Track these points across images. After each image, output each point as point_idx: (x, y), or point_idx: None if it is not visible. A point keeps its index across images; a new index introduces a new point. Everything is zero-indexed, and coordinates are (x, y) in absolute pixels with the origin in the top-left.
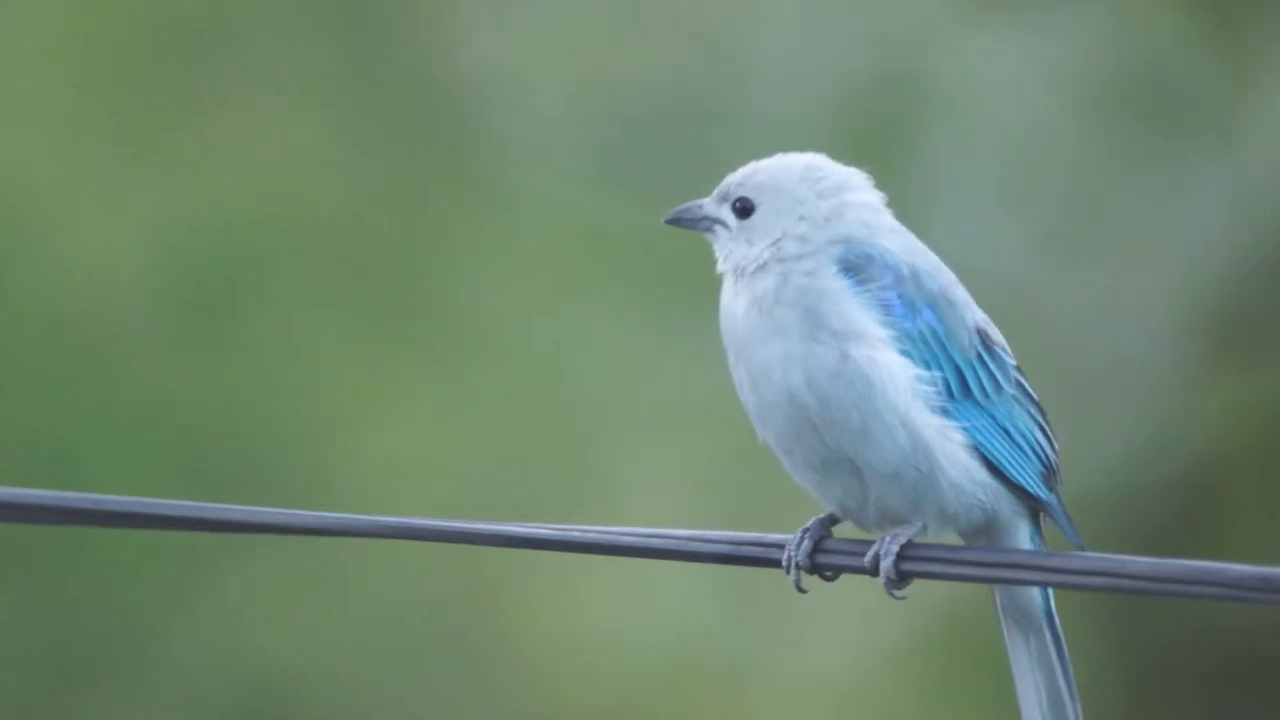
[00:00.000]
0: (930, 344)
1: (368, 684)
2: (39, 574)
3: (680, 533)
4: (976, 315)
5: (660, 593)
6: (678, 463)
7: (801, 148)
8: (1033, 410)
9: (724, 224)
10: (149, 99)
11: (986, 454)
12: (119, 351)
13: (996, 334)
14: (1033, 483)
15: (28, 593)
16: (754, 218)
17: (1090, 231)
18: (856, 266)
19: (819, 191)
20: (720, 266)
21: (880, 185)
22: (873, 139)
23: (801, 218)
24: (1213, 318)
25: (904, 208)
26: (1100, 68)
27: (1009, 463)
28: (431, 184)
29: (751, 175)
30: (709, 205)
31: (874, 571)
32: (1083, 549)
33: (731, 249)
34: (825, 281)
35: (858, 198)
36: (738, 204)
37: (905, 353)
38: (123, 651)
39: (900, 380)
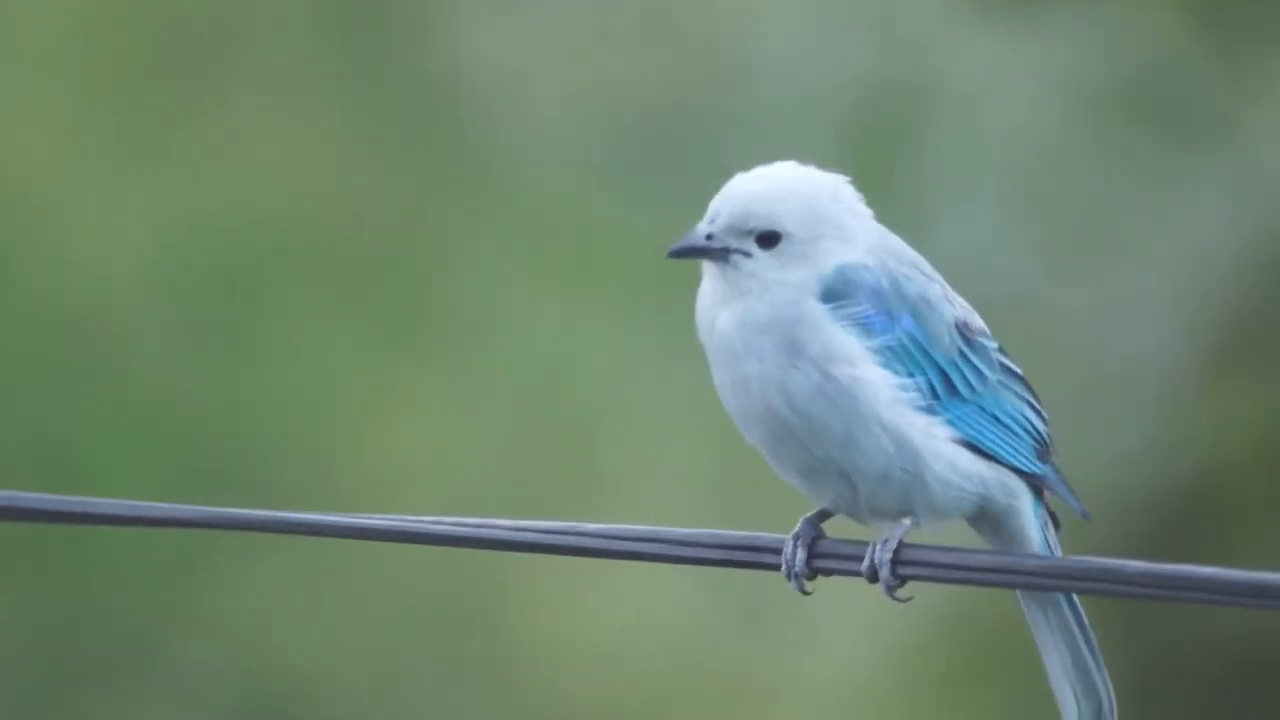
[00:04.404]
0: (911, 351)
1: (371, 685)
2: (43, 575)
3: (673, 535)
4: (955, 309)
5: (662, 594)
6: (681, 463)
7: (804, 151)
8: (1019, 389)
9: (746, 253)
10: (152, 100)
11: (977, 444)
12: (123, 352)
13: (976, 320)
14: (1027, 460)
15: (32, 594)
16: (783, 245)
17: (1093, 236)
18: (836, 293)
19: (849, 211)
20: (736, 290)
21: (883, 190)
22: (875, 143)
23: (841, 240)
24: (1216, 323)
25: (907, 212)
26: (1103, 72)
27: (1001, 447)
28: (434, 186)
29: (779, 203)
30: (724, 236)
31: (873, 578)
32: (1085, 515)
33: (761, 277)
34: (805, 310)
35: (864, 210)
36: (762, 237)
37: (886, 365)
38: (126, 653)
39: (883, 391)
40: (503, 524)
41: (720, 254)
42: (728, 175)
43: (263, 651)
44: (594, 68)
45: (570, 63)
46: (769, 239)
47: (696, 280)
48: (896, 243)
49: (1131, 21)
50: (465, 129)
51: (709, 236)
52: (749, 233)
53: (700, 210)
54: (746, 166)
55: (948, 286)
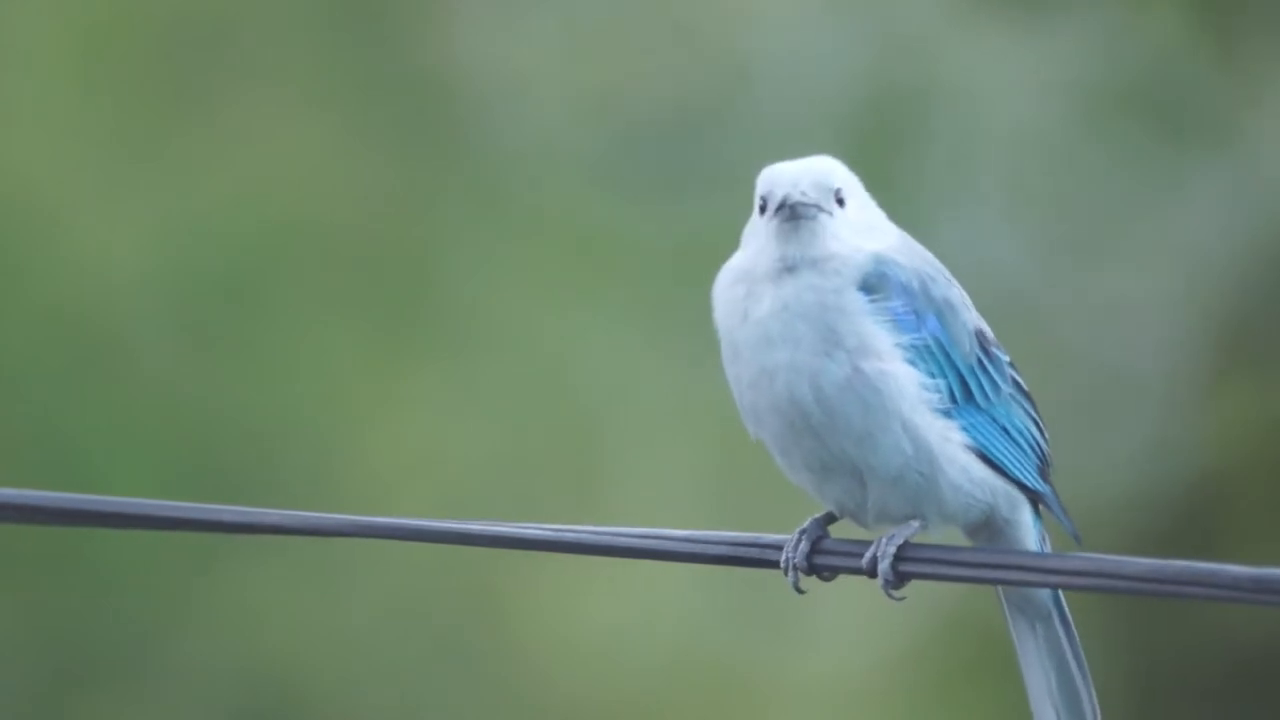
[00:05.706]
0: (935, 353)
1: (373, 684)
2: (44, 575)
3: (676, 534)
4: (974, 316)
5: (663, 593)
6: (681, 463)
7: (806, 152)
8: (1026, 405)
9: (829, 213)
10: (153, 101)
11: (987, 454)
12: (126, 353)
13: (989, 331)
14: (1031, 477)
15: (33, 594)
16: (849, 209)
17: (1093, 237)
18: (872, 286)
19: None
20: (816, 252)
21: (883, 190)
22: (875, 143)
23: (879, 215)
24: (1217, 324)
25: (907, 213)
26: (1103, 72)
27: (1009, 461)
28: (434, 186)
29: (835, 169)
30: (814, 194)
31: (872, 573)
32: (1077, 538)
33: (843, 237)
34: (846, 300)
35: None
36: (839, 199)
37: (911, 362)
38: (128, 652)
39: (908, 389)
40: (503, 524)
41: (813, 211)
42: (727, 175)
43: (263, 651)
44: (594, 68)
45: (570, 63)
46: (841, 201)
47: (696, 280)
48: (917, 244)
49: (1132, 22)
50: (465, 129)
51: (805, 194)
52: (831, 190)
53: (699, 210)
54: (747, 167)
55: (965, 293)
